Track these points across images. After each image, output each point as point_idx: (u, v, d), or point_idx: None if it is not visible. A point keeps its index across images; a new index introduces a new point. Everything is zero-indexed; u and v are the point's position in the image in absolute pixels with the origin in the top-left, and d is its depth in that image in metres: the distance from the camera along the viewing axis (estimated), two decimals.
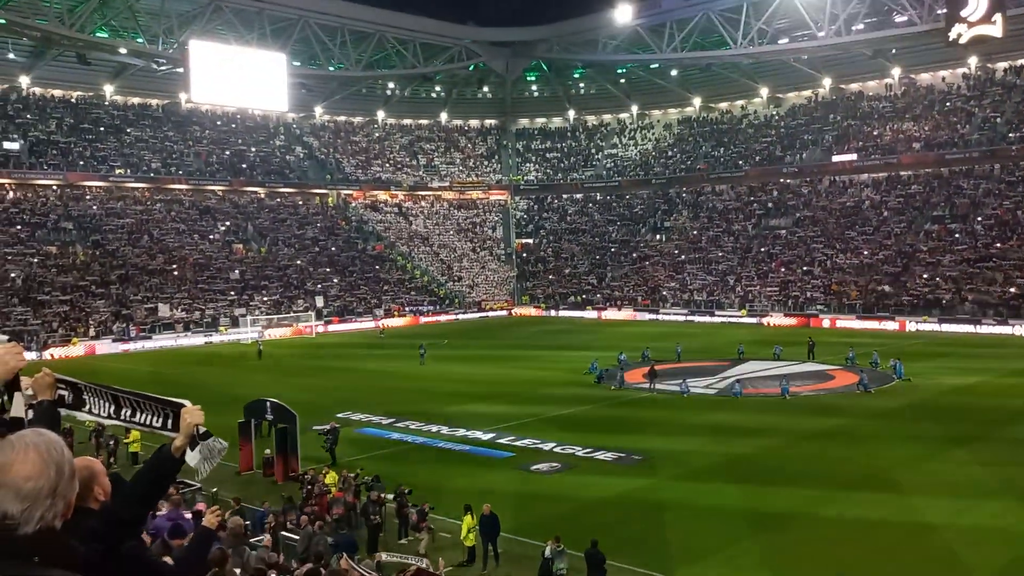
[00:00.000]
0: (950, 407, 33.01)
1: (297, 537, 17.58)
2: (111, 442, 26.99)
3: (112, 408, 4.36)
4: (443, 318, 76.99)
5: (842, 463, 25.24)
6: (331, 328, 69.60)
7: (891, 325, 60.76)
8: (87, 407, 4.40)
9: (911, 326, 60.01)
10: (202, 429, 3.57)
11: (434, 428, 31.45)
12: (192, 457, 3.64)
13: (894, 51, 79.32)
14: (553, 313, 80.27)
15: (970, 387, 37.31)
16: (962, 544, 18.41)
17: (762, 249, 76.98)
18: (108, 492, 3.11)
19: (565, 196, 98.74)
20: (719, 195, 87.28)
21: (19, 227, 66.35)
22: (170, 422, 4.00)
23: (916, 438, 28.09)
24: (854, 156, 79.50)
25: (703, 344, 53.95)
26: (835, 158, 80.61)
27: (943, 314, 60.47)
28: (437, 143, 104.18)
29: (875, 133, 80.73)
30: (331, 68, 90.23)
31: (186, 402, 3.80)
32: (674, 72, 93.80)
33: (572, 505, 22.07)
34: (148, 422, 4.17)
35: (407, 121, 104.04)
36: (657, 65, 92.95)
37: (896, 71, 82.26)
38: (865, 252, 70.32)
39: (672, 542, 19.37)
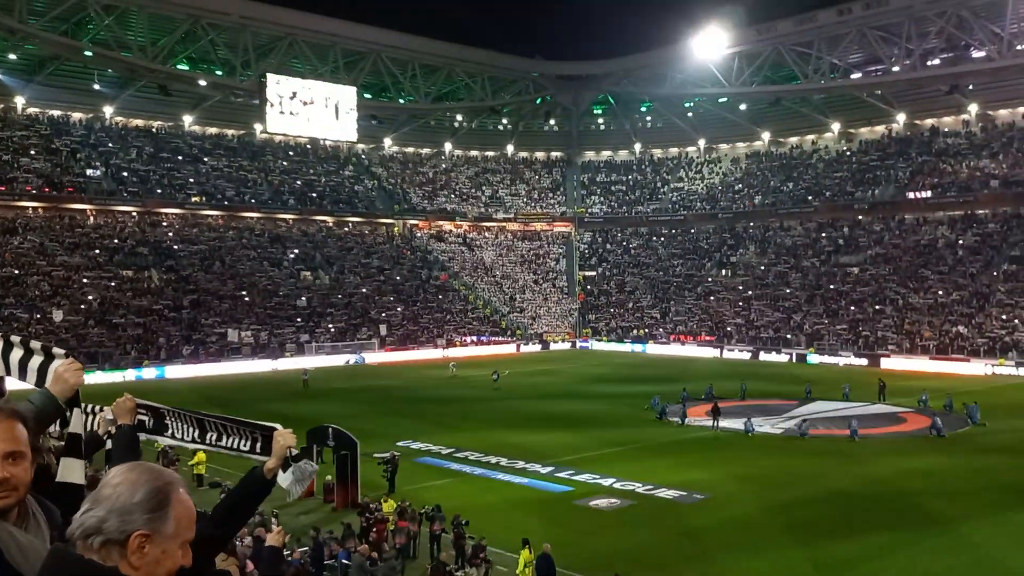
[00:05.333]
0: None
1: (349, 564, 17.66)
2: (174, 463, 27.43)
3: (196, 432, 4.38)
4: (504, 349, 76.97)
5: (913, 510, 24.35)
6: (394, 357, 70.12)
7: (966, 367, 58.73)
8: (169, 432, 4.43)
9: (987, 369, 57.91)
10: (295, 452, 3.60)
11: (493, 459, 31.32)
12: (284, 479, 3.67)
13: (971, 86, 77.49)
14: (616, 346, 79.67)
15: None
16: None
17: (831, 287, 75.39)
18: None
19: (629, 229, 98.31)
20: (787, 231, 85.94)
21: (97, 251, 68.59)
22: (259, 445, 4.01)
23: (991, 486, 27.00)
24: (929, 193, 77.62)
25: (769, 382, 52.85)
26: (909, 195, 78.80)
27: (1021, 357, 58.31)
28: (503, 175, 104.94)
29: (951, 170, 78.74)
30: (401, 100, 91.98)
31: (278, 426, 3.83)
32: (743, 106, 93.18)
33: (631, 542, 21.71)
34: (236, 446, 4.19)
35: (474, 153, 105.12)
36: (725, 99, 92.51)
37: (973, 107, 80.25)
38: (940, 292, 68.36)
39: None
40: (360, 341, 70.96)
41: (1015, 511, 24.15)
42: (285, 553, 16.42)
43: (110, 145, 78.66)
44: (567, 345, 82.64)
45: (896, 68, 75.76)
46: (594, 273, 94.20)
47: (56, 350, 3.52)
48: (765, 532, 22.45)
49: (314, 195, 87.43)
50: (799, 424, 36.79)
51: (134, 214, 74.45)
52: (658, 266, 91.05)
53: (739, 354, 71.25)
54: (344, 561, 18.81)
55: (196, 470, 27.38)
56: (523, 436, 35.85)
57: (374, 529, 20.98)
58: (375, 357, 69.28)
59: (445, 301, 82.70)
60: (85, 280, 65.07)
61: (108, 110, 79.95)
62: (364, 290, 78.86)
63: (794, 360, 67.60)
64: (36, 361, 3.52)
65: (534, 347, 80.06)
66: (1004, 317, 62.87)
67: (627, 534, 22.45)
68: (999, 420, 38.36)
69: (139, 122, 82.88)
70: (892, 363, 61.87)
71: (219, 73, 79.50)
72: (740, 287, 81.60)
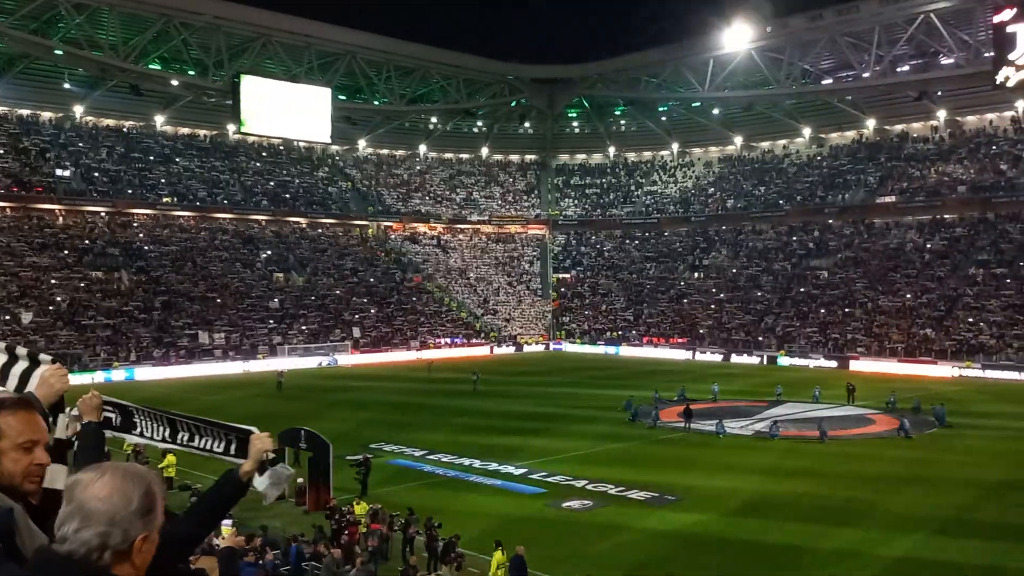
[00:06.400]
0: (994, 454, 32.24)
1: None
2: (144, 465, 27.19)
3: (167, 432, 4.37)
4: (478, 351, 76.95)
5: (881, 511, 24.67)
6: (367, 359, 69.89)
7: (933, 370, 59.57)
8: (138, 430, 4.41)
9: (954, 371, 58.79)
10: (272, 455, 3.60)
11: (466, 461, 31.36)
12: (260, 482, 3.67)
13: (940, 93, 78.59)
14: (589, 349, 79.94)
15: (1014, 434, 36.36)
16: None
17: (802, 290, 76.17)
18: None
19: (603, 232, 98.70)
20: (759, 234, 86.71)
21: (66, 252, 67.78)
22: (233, 447, 4.02)
23: (959, 485, 27.42)
24: (897, 198, 78.65)
25: (740, 384, 53.31)
26: (878, 200, 79.81)
27: (987, 360, 59.25)
28: (477, 177, 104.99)
29: (919, 175, 79.84)
30: (375, 102, 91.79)
31: (255, 429, 3.83)
32: (716, 110, 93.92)
33: (603, 544, 21.83)
34: (209, 447, 4.18)
35: (448, 155, 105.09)
36: (699, 103, 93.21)
37: (941, 113, 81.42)
38: (908, 295, 69.26)
39: None
40: (333, 343, 70.68)
41: (980, 511, 24.56)
42: (257, 557, 16.38)
43: (80, 145, 77.79)
44: (541, 347, 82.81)
45: (866, 74, 76.71)
46: (568, 275, 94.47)
47: (43, 356, 3.52)
48: (736, 533, 22.66)
49: (287, 196, 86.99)
50: (770, 426, 37.13)
51: (104, 214, 73.63)
52: (631, 269, 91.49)
53: (711, 356, 71.77)
54: (308, 564, 18.75)
55: (166, 472, 27.11)
56: (496, 438, 35.91)
57: (346, 532, 20.96)
58: (348, 359, 69.05)
59: (419, 303, 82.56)
60: (54, 281, 64.28)
61: (78, 109, 79.06)
62: (337, 292, 78.54)
63: (765, 362, 68.23)
64: (20, 367, 3.52)
65: (508, 349, 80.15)
66: (971, 320, 63.80)
67: (599, 535, 22.57)
68: (966, 422, 38.94)
69: (110, 122, 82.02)
70: (861, 365, 62.61)
71: (191, 73, 78.95)
72: (712, 290, 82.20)
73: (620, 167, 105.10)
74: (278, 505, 25.43)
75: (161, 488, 2.15)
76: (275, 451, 3.69)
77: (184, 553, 3.06)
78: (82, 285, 65.20)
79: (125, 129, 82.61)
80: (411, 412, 43.53)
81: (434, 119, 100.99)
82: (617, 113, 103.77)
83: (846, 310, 70.91)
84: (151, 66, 76.73)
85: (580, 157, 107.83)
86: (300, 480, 25.98)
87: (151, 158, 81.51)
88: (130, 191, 76.48)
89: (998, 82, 66.84)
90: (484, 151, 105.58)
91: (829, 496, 26.36)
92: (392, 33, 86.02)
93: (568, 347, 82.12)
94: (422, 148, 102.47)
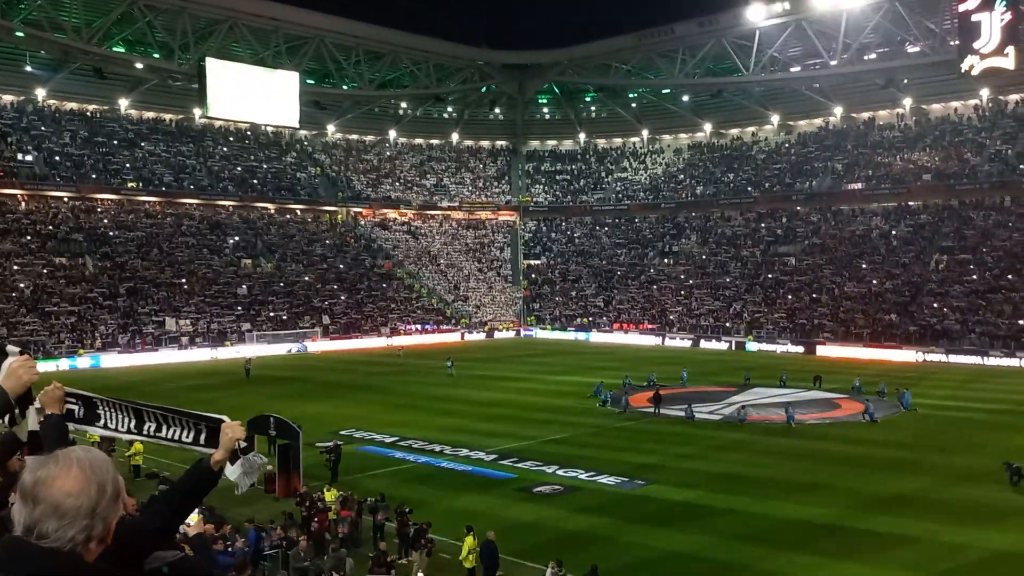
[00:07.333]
0: (957, 439, 32.80)
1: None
2: (110, 454, 26.89)
3: (132, 423, 4.29)
4: (449, 337, 76.89)
5: (850, 493, 25.00)
6: (337, 345, 69.57)
7: (898, 354, 60.42)
8: (102, 422, 4.34)
9: (918, 356, 59.68)
10: (243, 444, 3.53)
11: (437, 447, 31.35)
12: (232, 471, 3.62)
13: (906, 81, 79.51)
14: (560, 335, 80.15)
15: (977, 419, 37.03)
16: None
17: (770, 276, 76.86)
18: (129, 507, 3.09)
19: (574, 219, 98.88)
20: (728, 221, 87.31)
21: (29, 238, 66.67)
22: (203, 437, 3.96)
23: (922, 468, 27.88)
24: (864, 185, 79.53)
25: (709, 369, 53.74)
26: (845, 187, 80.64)
27: (951, 345, 60.21)
28: (448, 163, 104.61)
29: (885, 162, 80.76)
30: (345, 87, 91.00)
31: (225, 417, 3.77)
32: (685, 97, 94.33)
33: (574, 528, 21.94)
34: (177, 437, 4.12)
35: (418, 140, 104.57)
36: (668, 90, 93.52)
37: (907, 101, 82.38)
38: (873, 281, 70.13)
39: (674, 568, 19.22)
40: (303, 329, 70.25)
41: (942, 493, 24.99)
42: (226, 544, 16.27)
43: (43, 129, 76.40)
44: (511, 334, 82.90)
45: (834, 62, 77.34)
46: (539, 262, 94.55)
47: (10, 348, 3.45)
48: (704, 516, 22.86)
49: (255, 182, 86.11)
50: (738, 410, 37.51)
51: (67, 200, 72.44)
52: (602, 255, 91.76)
53: (680, 342, 72.29)
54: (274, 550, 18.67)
55: (133, 460, 26.88)
56: (467, 424, 35.92)
57: (315, 519, 20.89)
58: (318, 346, 68.69)
59: (389, 289, 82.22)
60: (16, 267, 63.22)
61: (41, 92, 77.61)
62: (307, 278, 77.99)
63: (733, 348, 68.85)
64: None
65: (479, 335, 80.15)
66: (935, 306, 64.76)
67: (570, 520, 22.67)
68: (929, 406, 39.56)
69: (73, 105, 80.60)
70: (828, 350, 63.38)
71: (156, 56, 77.73)
72: (682, 276, 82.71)
73: (590, 153, 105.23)
74: (247, 491, 25.20)
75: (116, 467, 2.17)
76: (246, 440, 3.63)
77: (157, 543, 3.01)
78: (45, 271, 64.19)
79: (89, 113, 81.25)
80: (381, 398, 43.41)
81: (404, 104, 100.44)
82: (587, 99, 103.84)
83: (813, 296, 71.69)
84: (115, 49, 75.49)
85: (550, 143, 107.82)
86: (269, 467, 25.81)
87: (115, 142, 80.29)
88: (94, 176, 75.31)
89: (963, 70, 67.67)
90: (454, 137, 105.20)
91: (796, 479, 26.67)
92: (361, 17, 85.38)
93: (539, 333, 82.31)
94: (392, 133, 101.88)
